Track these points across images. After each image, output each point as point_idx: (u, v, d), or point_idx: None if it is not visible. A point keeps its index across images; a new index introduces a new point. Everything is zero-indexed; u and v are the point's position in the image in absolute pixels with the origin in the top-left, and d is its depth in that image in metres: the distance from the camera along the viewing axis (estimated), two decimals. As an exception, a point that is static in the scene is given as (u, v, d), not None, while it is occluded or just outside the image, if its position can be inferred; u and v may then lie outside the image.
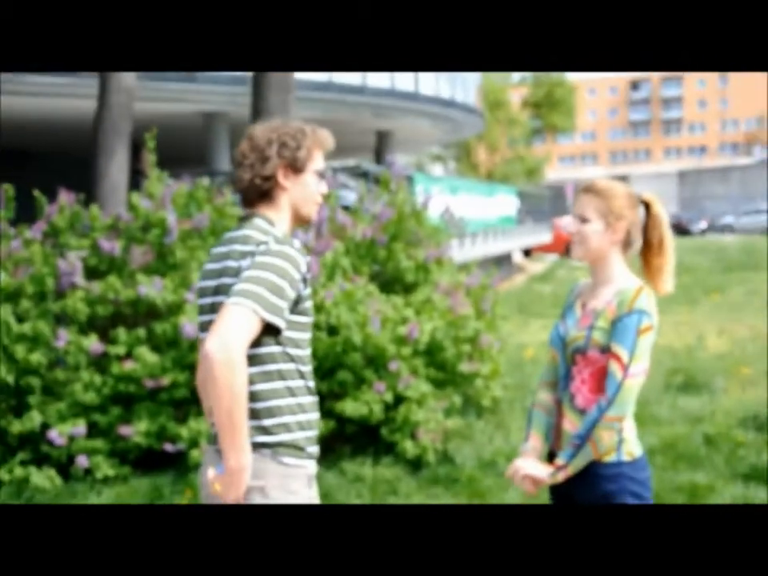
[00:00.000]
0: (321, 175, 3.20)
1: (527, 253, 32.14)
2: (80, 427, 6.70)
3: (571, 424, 3.16)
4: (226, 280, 3.00)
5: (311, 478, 3.08)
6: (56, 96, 18.48)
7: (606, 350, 3.08)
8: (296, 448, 3.01)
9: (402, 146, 30.95)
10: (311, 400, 3.10)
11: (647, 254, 3.27)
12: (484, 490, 6.46)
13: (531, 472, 3.15)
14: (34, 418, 6.71)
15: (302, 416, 3.05)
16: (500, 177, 48.95)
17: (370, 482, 6.60)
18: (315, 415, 3.13)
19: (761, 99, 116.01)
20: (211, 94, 20.82)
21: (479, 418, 7.96)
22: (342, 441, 7.14)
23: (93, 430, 6.81)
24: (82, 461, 6.66)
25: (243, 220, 3.16)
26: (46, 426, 6.73)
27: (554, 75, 58.44)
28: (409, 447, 6.79)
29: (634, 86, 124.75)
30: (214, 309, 3.02)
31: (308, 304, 3.08)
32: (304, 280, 3.00)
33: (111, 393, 6.86)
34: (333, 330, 7.02)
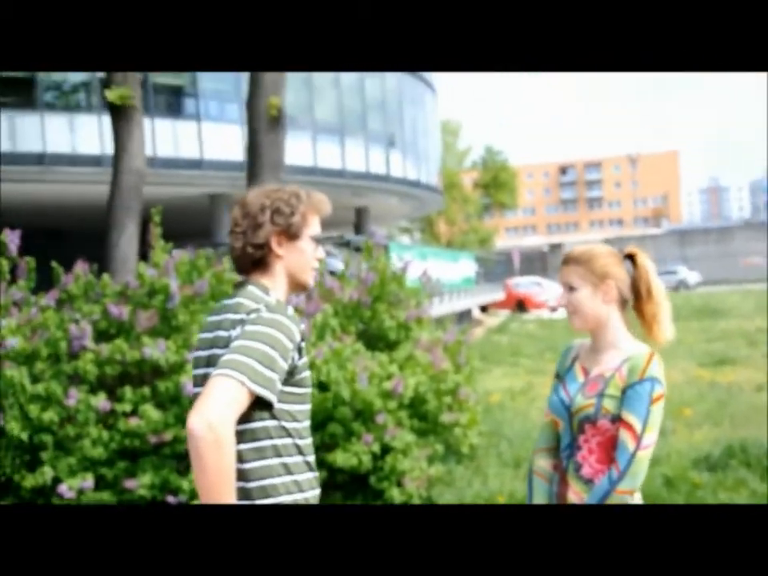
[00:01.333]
0: (317, 240, 2.54)
1: (484, 308, 31.68)
2: (88, 481, 6.04)
3: (576, 495, 2.56)
4: (217, 351, 2.34)
5: None
6: (80, 183, 18.06)
7: (616, 419, 2.50)
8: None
9: (376, 220, 30.74)
10: (310, 476, 2.41)
11: (639, 305, 2.68)
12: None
13: None
14: (46, 473, 6.03)
15: (298, 495, 2.36)
16: (458, 245, 49.03)
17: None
18: (314, 492, 2.43)
19: (665, 182, 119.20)
20: (215, 178, 20.48)
21: (458, 464, 7.28)
22: (334, 489, 6.46)
23: (100, 483, 6.14)
24: (90, 513, 5.89)
25: (237, 287, 2.48)
26: (56, 480, 6.04)
27: (499, 161, 59.52)
28: (396, 494, 6.20)
29: (563, 170, 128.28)
30: (205, 380, 2.33)
31: (305, 374, 2.40)
32: (299, 349, 2.34)
33: (118, 448, 6.20)
34: (323, 386, 6.40)
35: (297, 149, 23.43)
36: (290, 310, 2.38)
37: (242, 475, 2.28)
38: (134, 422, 6.10)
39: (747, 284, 48.07)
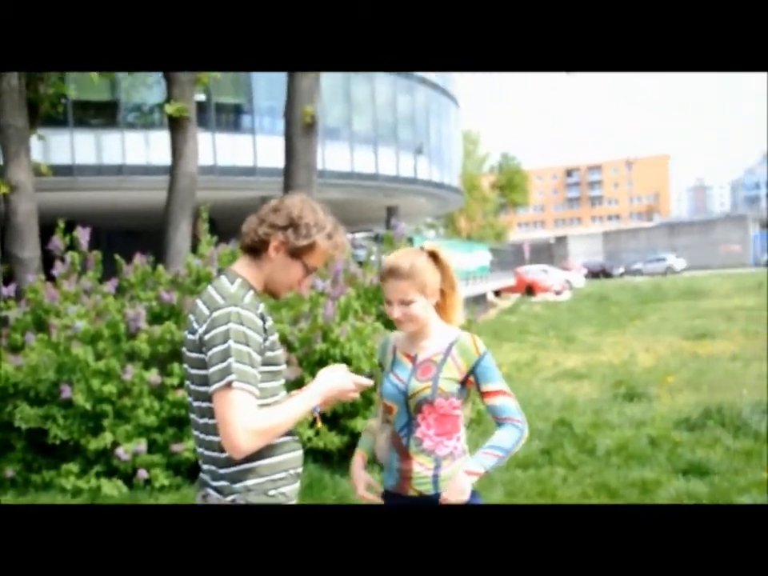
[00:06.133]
0: (310, 271, 2.26)
1: (497, 293, 31.27)
2: (142, 445, 5.89)
3: (422, 466, 2.47)
4: (190, 336, 2.15)
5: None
6: (154, 190, 17.98)
7: (449, 397, 2.46)
8: (264, 494, 2.15)
9: (405, 217, 30.39)
10: (287, 439, 2.20)
11: (443, 297, 2.55)
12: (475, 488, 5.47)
13: (457, 498, 2.37)
14: (107, 438, 5.89)
15: (270, 458, 2.15)
16: (476, 238, 48.47)
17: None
18: (286, 457, 2.19)
19: (656, 181, 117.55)
20: (267, 183, 20.24)
21: (467, 428, 6.95)
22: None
23: (152, 447, 5.98)
24: (143, 473, 5.83)
25: (218, 274, 2.25)
26: (116, 444, 5.91)
27: (513, 165, 58.96)
28: (410, 455, 5.88)
29: (569, 173, 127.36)
30: (193, 362, 2.15)
31: (276, 352, 2.17)
32: (264, 330, 2.10)
33: (167, 416, 6.03)
34: (346, 361, 6.13)
35: (336, 156, 23.27)
36: (248, 298, 2.13)
37: (221, 462, 2.11)
38: (180, 394, 5.91)
39: (726, 269, 47.17)
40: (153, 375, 5.99)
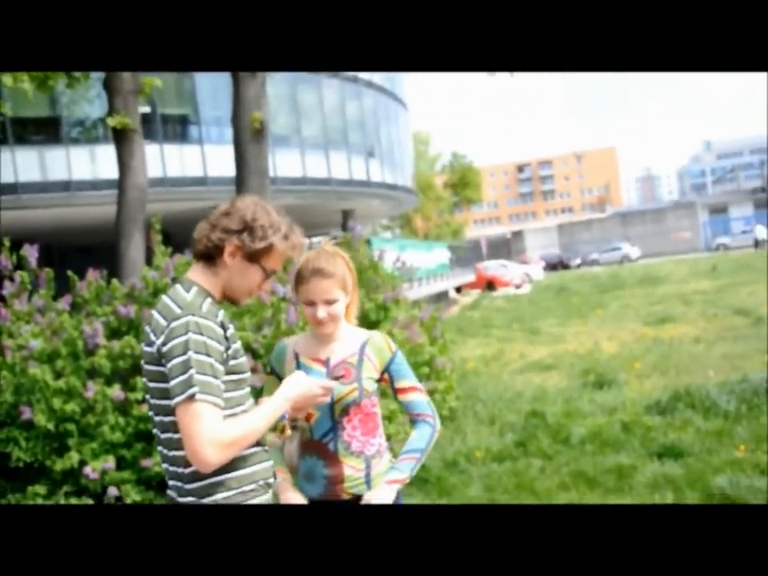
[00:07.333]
0: (269, 274, 2.18)
1: (458, 290, 31.42)
2: (110, 462, 5.73)
3: (353, 468, 2.45)
4: (147, 349, 2.07)
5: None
6: (102, 205, 17.70)
7: (370, 396, 2.47)
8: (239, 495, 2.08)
9: (360, 219, 30.33)
10: (255, 450, 2.14)
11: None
12: (450, 487, 5.47)
13: (383, 501, 2.38)
14: (73, 457, 5.72)
15: (239, 470, 2.09)
16: (434, 237, 48.66)
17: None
18: (256, 468, 2.13)
19: (606, 173, 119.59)
20: (218, 192, 20.04)
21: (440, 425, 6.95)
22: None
23: (121, 463, 5.84)
24: (113, 490, 5.68)
25: (172, 283, 2.19)
26: (83, 463, 5.74)
27: (464, 163, 59.37)
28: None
29: (520, 169, 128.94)
30: (151, 376, 2.09)
31: (239, 360, 2.10)
32: (226, 339, 2.03)
33: (134, 431, 5.89)
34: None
35: (288, 163, 23.16)
36: (206, 306, 2.04)
37: (187, 477, 2.03)
38: (146, 408, 5.79)
39: (679, 255, 48.12)
40: (116, 391, 5.84)
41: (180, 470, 2.04)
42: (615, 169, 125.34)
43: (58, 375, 6.02)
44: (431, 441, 2.48)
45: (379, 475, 2.45)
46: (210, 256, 2.12)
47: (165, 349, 1.98)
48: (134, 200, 9.14)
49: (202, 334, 1.96)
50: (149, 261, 7.65)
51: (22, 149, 18.31)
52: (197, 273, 2.15)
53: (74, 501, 5.64)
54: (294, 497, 2.42)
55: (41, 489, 5.71)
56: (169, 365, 1.97)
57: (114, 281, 6.79)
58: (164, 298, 2.10)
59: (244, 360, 2.14)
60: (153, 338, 2.04)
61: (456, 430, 6.80)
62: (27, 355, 6.08)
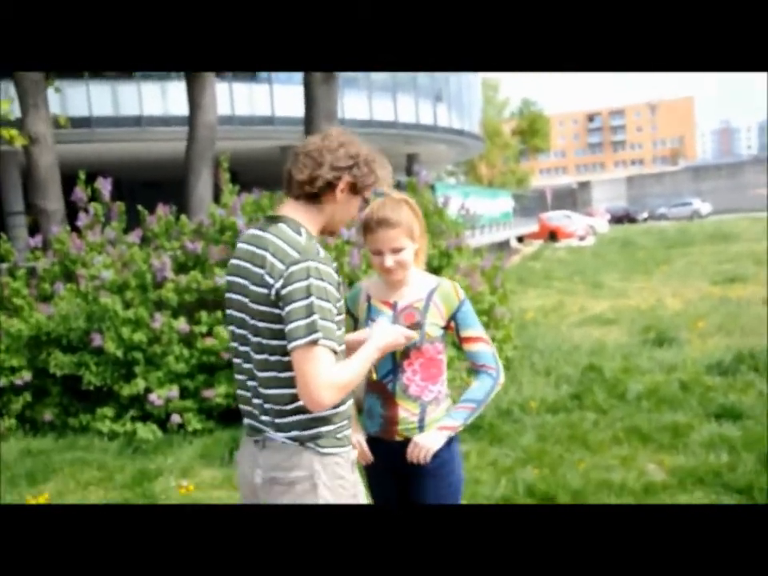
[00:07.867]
0: (367, 202, 2.30)
1: (520, 239, 31.09)
2: (174, 391, 5.99)
3: (408, 411, 2.51)
4: (257, 289, 2.08)
5: (353, 462, 2.20)
6: (172, 140, 17.96)
7: (434, 341, 2.49)
8: (334, 438, 2.13)
9: (425, 164, 30.07)
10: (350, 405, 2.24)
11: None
12: (502, 434, 5.52)
13: (430, 446, 2.45)
14: (139, 384, 6.02)
15: (340, 407, 2.15)
16: (498, 185, 48.00)
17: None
18: (349, 403, 2.21)
19: (681, 124, 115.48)
20: (285, 132, 20.11)
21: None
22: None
23: (184, 393, 6.08)
24: (176, 417, 5.95)
25: (269, 221, 2.17)
26: (148, 390, 6.02)
27: (534, 111, 58.02)
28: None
29: (590, 118, 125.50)
30: (243, 323, 2.14)
31: (342, 300, 2.15)
32: (339, 284, 2.10)
33: (197, 363, 6.10)
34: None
35: (355, 105, 23.03)
36: (322, 252, 2.07)
37: (291, 398, 2.09)
38: (209, 341, 5.99)
39: (755, 212, 46.41)
40: (181, 324, 6.04)
41: (278, 406, 2.10)
42: (691, 120, 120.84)
43: (127, 305, 6.25)
44: (491, 393, 2.50)
45: (434, 421, 2.48)
46: (314, 195, 2.14)
47: (284, 291, 2.00)
48: (204, 137, 9.26)
49: (322, 280, 2.00)
50: (216, 198, 7.79)
51: (96, 83, 18.61)
52: (298, 211, 2.15)
53: (139, 425, 5.90)
54: (354, 436, 2.49)
55: (109, 411, 6.02)
56: (288, 308, 1.99)
57: (183, 217, 6.96)
58: (271, 238, 2.09)
59: (343, 301, 2.19)
60: (269, 279, 2.04)
61: (512, 379, 6.82)
62: (99, 285, 6.33)
